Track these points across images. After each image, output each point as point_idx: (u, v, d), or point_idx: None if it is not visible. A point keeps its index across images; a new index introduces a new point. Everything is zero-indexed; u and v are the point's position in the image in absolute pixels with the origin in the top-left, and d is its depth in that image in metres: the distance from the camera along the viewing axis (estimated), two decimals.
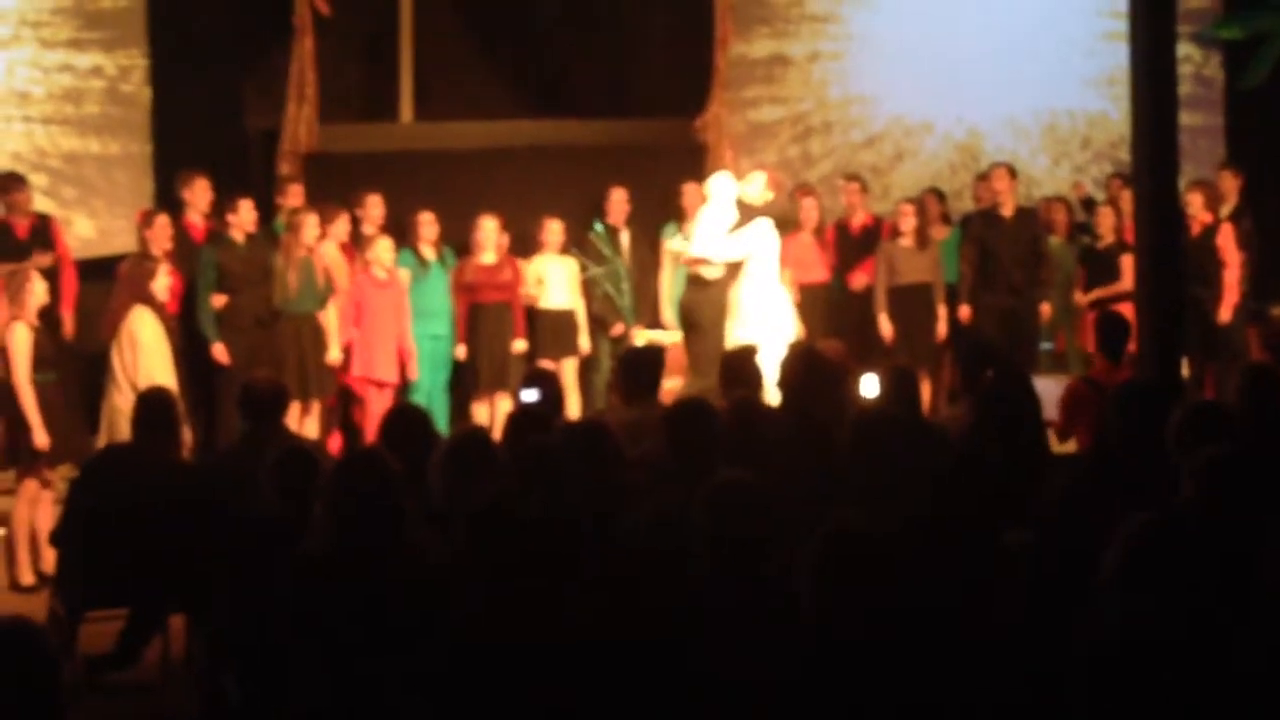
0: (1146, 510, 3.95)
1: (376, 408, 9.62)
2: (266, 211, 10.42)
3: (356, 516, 4.45)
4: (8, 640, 3.17)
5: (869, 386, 6.98)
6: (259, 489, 5.44)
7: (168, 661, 6.53)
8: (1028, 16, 12.52)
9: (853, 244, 11.23)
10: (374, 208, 10.53)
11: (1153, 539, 3.79)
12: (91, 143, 11.42)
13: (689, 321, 10.22)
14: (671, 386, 9.39)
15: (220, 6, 11.70)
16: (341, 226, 10.20)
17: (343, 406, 10.26)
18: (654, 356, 7.27)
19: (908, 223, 10.80)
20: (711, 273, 10.08)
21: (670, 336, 10.59)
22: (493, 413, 10.23)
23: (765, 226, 10.10)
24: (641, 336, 10.59)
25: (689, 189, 11.14)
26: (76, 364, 8.86)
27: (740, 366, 7.14)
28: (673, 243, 10.86)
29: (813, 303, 10.92)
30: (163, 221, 9.43)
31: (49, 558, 7.62)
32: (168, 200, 10.45)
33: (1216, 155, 12.29)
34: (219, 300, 9.58)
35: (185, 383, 9.02)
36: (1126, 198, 10.34)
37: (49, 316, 8.65)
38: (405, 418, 6.03)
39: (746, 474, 4.53)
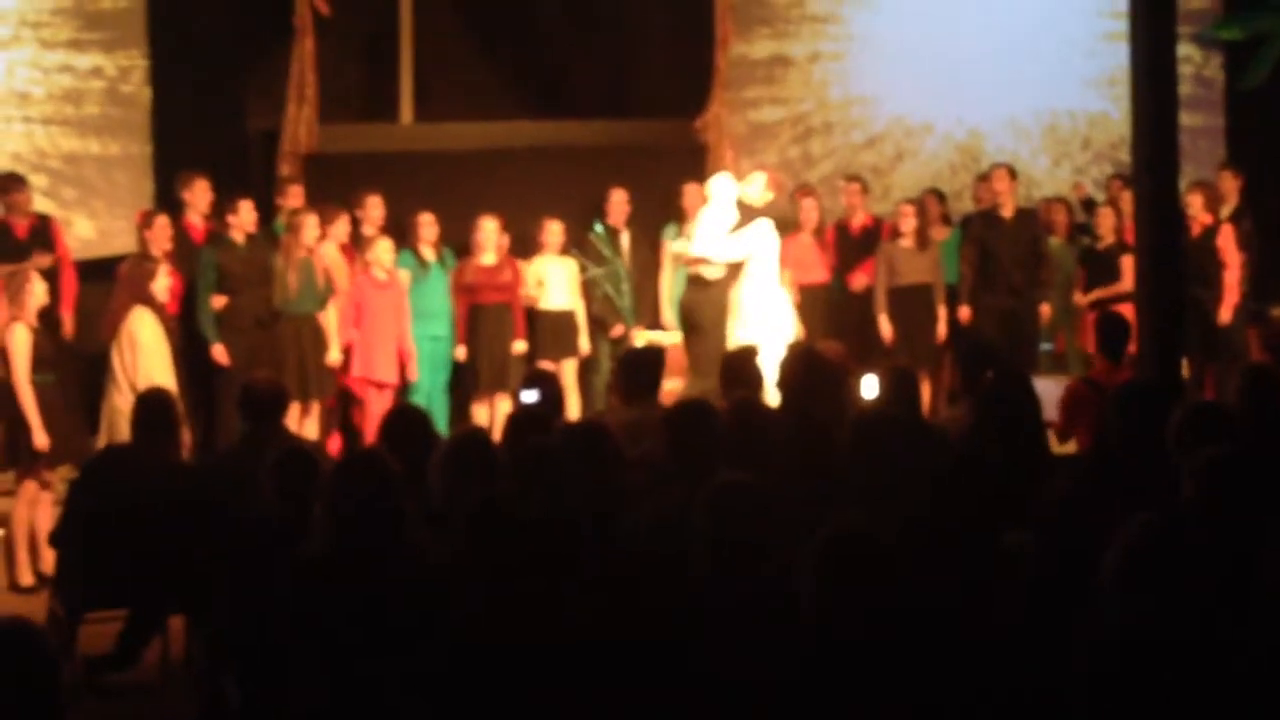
0: (1147, 511, 3.94)
1: (376, 409, 9.62)
2: (266, 212, 10.42)
3: (356, 517, 4.45)
4: (7, 641, 3.16)
5: (869, 387, 6.98)
6: (259, 490, 5.44)
7: (167, 662, 6.54)
8: (1028, 17, 12.52)
9: (853, 245, 11.23)
10: (374, 208, 10.53)
11: (1153, 540, 3.79)
12: (91, 143, 11.41)
13: (689, 322, 10.22)
14: (672, 388, 9.39)
15: (220, 7, 11.69)
16: (341, 227, 10.20)
17: (342, 408, 10.26)
18: (654, 357, 7.27)
19: (908, 223, 10.80)
20: (712, 273, 10.08)
21: (670, 337, 10.59)
22: (492, 414, 10.23)
23: (766, 227, 10.10)
24: (641, 337, 10.59)
25: (689, 190, 11.14)
26: (76, 365, 8.86)
27: (740, 367, 7.14)
28: (675, 245, 10.85)
29: (813, 303, 10.92)
30: (162, 222, 9.43)
31: (48, 558, 7.62)
32: (168, 201, 10.45)
33: (1217, 156, 12.29)
34: (219, 301, 9.57)
35: (185, 383, 9.02)
36: (1127, 198, 10.34)
37: (48, 317, 8.65)
38: (405, 418, 6.03)
39: (746, 475, 4.53)
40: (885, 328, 10.75)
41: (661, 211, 11.37)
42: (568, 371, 10.44)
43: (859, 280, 11.04)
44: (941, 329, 10.78)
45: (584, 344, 10.72)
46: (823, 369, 6.65)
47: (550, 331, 10.59)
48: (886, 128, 12.63)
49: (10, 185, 9.85)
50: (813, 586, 3.90)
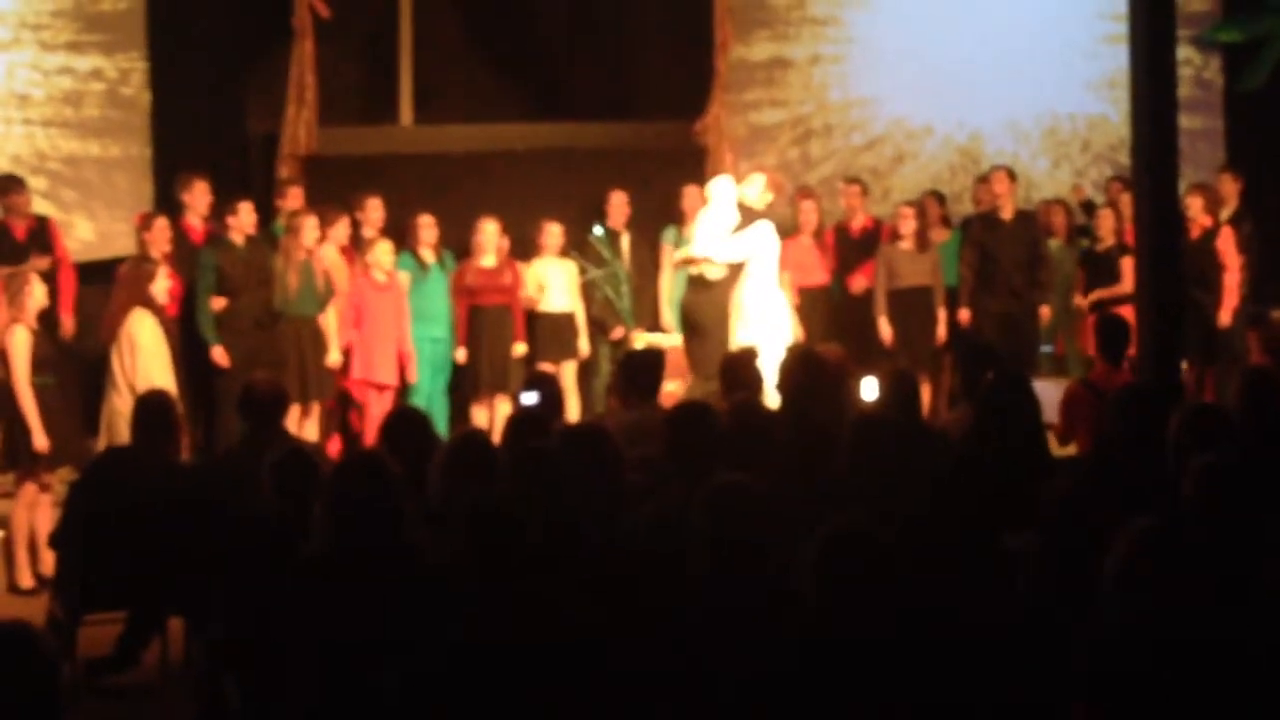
0: (1146, 513, 3.95)
1: (376, 410, 9.62)
2: (266, 214, 10.41)
3: (356, 518, 4.46)
4: (7, 643, 3.16)
5: (869, 390, 6.98)
6: (258, 491, 5.44)
7: (167, 664, 6.54)
8: (1028, 20, 12.52)
9: (853, 247, 11.22)
10: (374, 210, 10.53)
11: (1153, 542, 3.79)
12: (91, 145, 11.41)
13: (690, 323, 10.21)
14: (672, 389, 9.40)
15: (220, 9, 11.69)
16: (341, 229, 10.20)
17: (341, 410, 10.25)
18: (653, 360, 7.28)
19: (908, 226, 10.80)
20: (714, 273, 10.07)
21: (670, 339, 10.59)
22: (492, 415, 10.23)
23: (767, 229, 10.10)
24: (641, 340, 10.58)
25: (689, 192, 11.14)
26: (76, 367, 8.86)
27: (740, 369, 7.15)
28: (677, 253, 10.82)
29: (813, 306, 10.92)
30: (162, 224, 9.43)
31: (48, 560, 7.62)
32: (167, 203, 10.45)
33: (1216, 158, 12.29)
34: (218, 303, 9.57)
35: (184, 385, 9.02)
36: (1126, 200, 10.34)
37: (48, 319, 8.65)
38: (405, 420, 6.04)
39: (745, 476, 4.53)
40: (885, 330, 10.74)
41: (661, 214, 11.37)
42: (567, 374, 10.44)
43: (859, 282, 11.04)
44: (941, 331, 10.77)
45: (584, 346, 10.72)
46: (822, 371, 6.66)
47: (550, 334, 10.59)
48: (886, 130, 12.63)
49: (9, 187, 9.85)
50: (812, 586, 3.91)
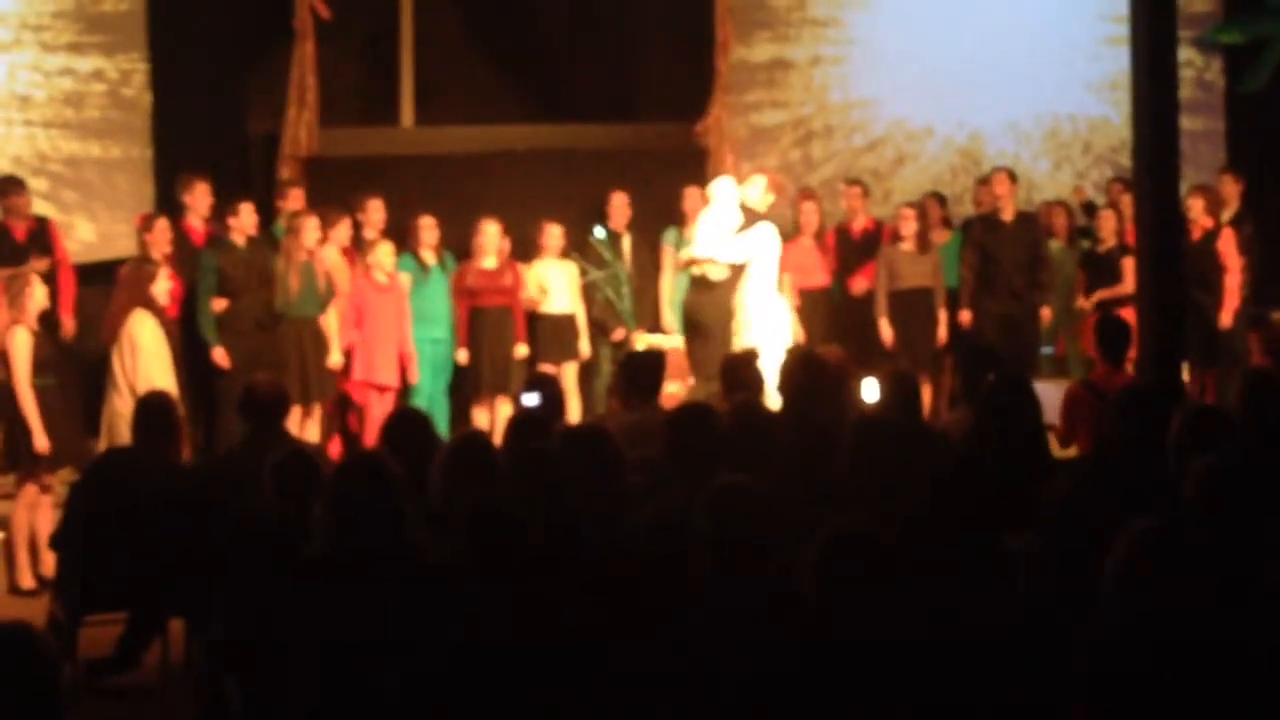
0: (1147, 514, 3.95)
1: (377, 412, 9.62)
2: (267, 215, 10.42)
3: (357, 519, 4.46)
4: (7, 644, 3.16)
5: (870, 391, 6.98)
6: (259, 492, 5.44)
7: (168, 665, 6.54)
8: (1029, 21, 12.51)
9: (853, 248, 11.22)
10: (375, 212, 10.53)
11: (1153, 543, 3.79)
12: (92, 146, 11.41)
13: (693, 323, 10.20)
14: (673, 391, 9.40)
15: (221, 10, 11.68)
16: (343, 230, 10.20)
17: (340, 412, 10.25)
18: (654, 361, 7.28)
19: (908, 227, 10.80)
20: (717, 274, 10.06)
21: (671, 341, 10.59)
22: (493, 417, 10.23)
23: (769, 230, 10.10)
24: (642, 341, 10.58)
25: (690, 193, 11.13)
26: (77, 368, 8.86)
27: (741, 370, 7.15)
28: (681, 253, 10.82)
29: (813, 307, 10.92)
30: (163, 225, 9.43)
31: (49, 561, 7.62)
32: (168, 204, 10.45)
33: (1217, 160, 12.29)
34: (219, 304, 9.56)
35: (185, 386, 9.02)
36: (1127, 202, 10.34)
37: (48, 320, 8.65)
38: (407, 420, 6.04)
39: (746, 477, 4.53)
40: (886, 331, 10.74)
41: (662, 215, 11.36)
42: (568, 375, 10.44)
43: (859, 284, 11.03)
44: (942, 333, 10.77)
45: (584, 347, 10.72)
46: (823, 372, 6.66)
47: (551, 335, 10.59)
48: (887, 131, 12.63)
49: (9, 189, 9.86)
50: (813, 587, 3.91)
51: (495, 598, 4.13)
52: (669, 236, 11.19)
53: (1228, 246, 10.47)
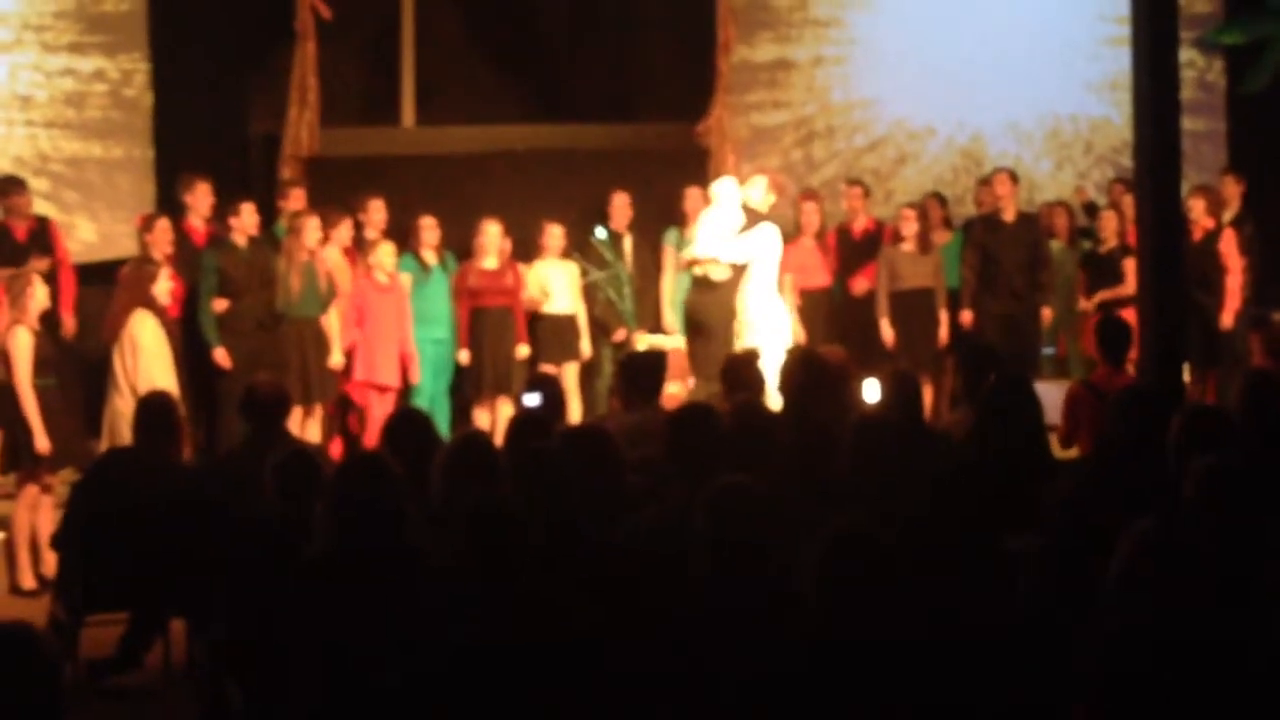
0: (1148, 515, 3.95)
1: (378, 412, 9.62)
2: (268, 216, 10.42)
3: (358, 519, 4.46)
4: (8, 644, 3.16)
5: (871, 391, 6.98)
6: (261, 492, 5.44)
7: (169, 665, 6.54)
8: (1030, 21, 12.51)
9: (854, 249, 11.22)
10: (376, 212, 10.53)
11: (1154, 544, 3.79)
12: (93, 147, 11.41)
13: (694, 323, 10.20)
14: (674, 391, 9.40)
15: (222, 10, 11.68)
16: (344, 231, 10.20)
17: (342, 411, 10.25)
18: (655, 361, 7.29)
19: (909, 227, 10.79)
20: (719, 274, 10.06)
21: (672, 341, 10.59)
22: (494, 417, 10.23)
23: (772, 231, 10.10)
24: (643, 341, 10.59)
25: (691, 194, 11.13)
26: (77, 368, 8.86)
27: (742, 370, 7.15)
28: (683, 253, 10.81)
29: (814, 308, 10.92)
30: (164, 225, 9.43)
31: (50, 562, 7.62)
32: (169, 204, 10.45)
33: (1218, 160, 12.29)
34: (220, 304, 9.56)
35: (186, 387, 9.02)
36: (1128, 202, 10.34)
37: (49, 320, 8.65)
38: (407, 421, 6.05)
39: (747, 478, 4.53)
40: (887, 332, 10.74)
41: (663, 215, 11.37)
42: (569, 375, 10.44)
43: (860, 284, 11.03)
44: (943, 333, 10.77)
45: (585, 348, 10.72)
46: (824, 372, 6.66)
47: (552, 335, 10.59)
48: (888, 131, 12.63)
49: (10, 189, 9.86)
50: (813, 587, 3.91)
51: (495, 598, 4.13)
52: (670, 237, 11.19)
53: (1229, 247, 10.47)
